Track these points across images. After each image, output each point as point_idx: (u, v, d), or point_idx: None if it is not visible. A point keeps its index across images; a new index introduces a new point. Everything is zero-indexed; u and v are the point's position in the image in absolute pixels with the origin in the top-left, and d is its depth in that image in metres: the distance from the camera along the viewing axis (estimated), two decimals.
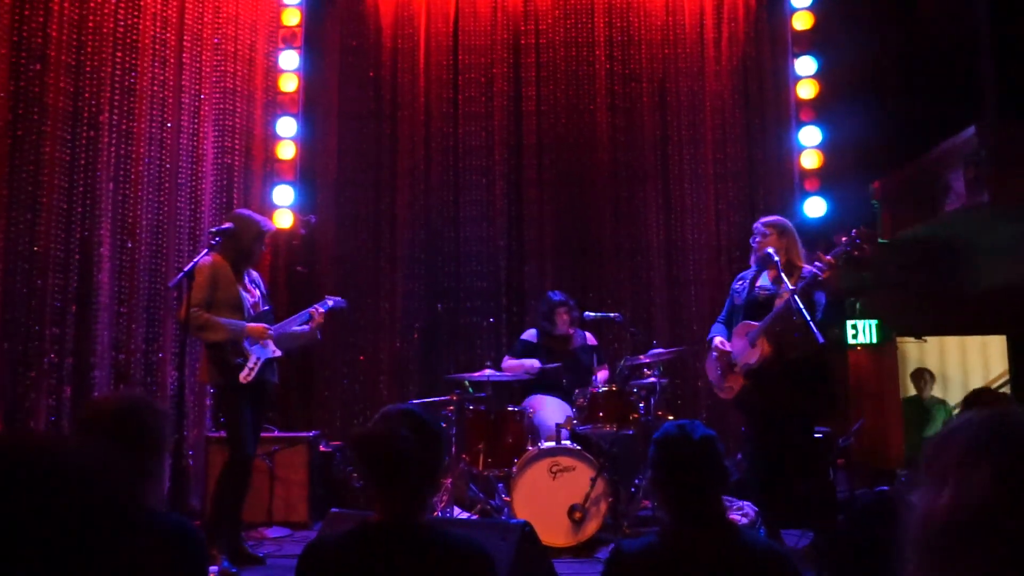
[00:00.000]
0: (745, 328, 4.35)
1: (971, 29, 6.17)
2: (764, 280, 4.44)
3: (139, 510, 0.79)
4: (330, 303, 4.71)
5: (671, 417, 4.96)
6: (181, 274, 4.01)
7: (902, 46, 6.52)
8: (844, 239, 4.11)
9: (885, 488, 4.05)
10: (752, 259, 4.56)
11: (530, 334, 5.63)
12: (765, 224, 4.51)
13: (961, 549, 0.75)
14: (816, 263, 4.12)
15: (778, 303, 4.26)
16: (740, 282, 4.57)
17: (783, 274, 4.25)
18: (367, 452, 1.80)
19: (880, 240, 4.30)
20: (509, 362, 5.50)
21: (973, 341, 7.72)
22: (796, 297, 4.07)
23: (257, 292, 4.46)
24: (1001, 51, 6.00)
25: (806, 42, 6.57)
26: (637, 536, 4.49)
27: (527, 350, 5.53)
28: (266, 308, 4.47)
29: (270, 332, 4.28)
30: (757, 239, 4.46)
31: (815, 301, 4.20)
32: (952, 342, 7.68)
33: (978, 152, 5.66)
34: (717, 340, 4.46)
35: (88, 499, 0.72)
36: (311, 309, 4.53)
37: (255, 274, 4.53)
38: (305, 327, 4.50)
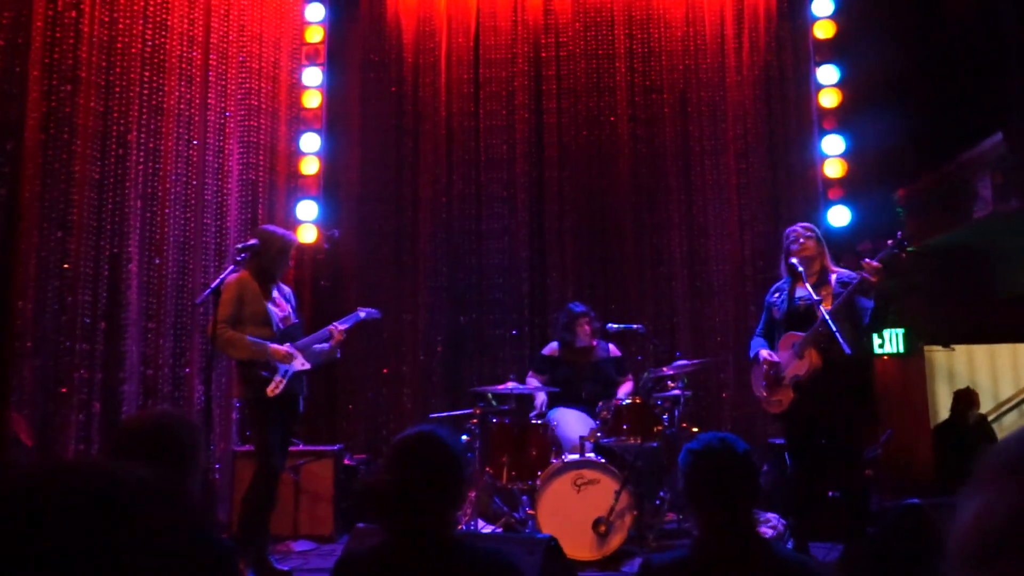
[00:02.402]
0: (790, 340, 4.29)
1: (995, 34, 6.11)
2: (801, 289, 4.39)
3: (184, 532, 0.80)
4: (362, 315, 4.73)
5: (695, 429, 4.93)
6: (208, 290, 4.06)
7: (925, 53, 6.47)
8: (890, 242, 4.05)
9: (915, 500, 4.00)
10: (784, 268, 4.51)
11: (551, 348, 5.63)
12: (806, 227, 4.46)
13: (986, 561, 0.77)
14: (864, 269, 4.07)
15: (819, 312, 4.22)
16: (777, 294, 4.50)
17: (808, 283, 4.23)
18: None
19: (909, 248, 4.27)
20: (531, 378, 5.52)
21: (1002, 349, 7.61)
22: (822, 308, 4.04)
23: (288, 306, 4.49)
24: None
25: (828, 51, 6.54)
26: (664, 549, 4.48)
27: (548, 364, 5.53)
28: (295, 322, 4.50)
29: (292, 353, 4.30)
30: (801, 241, 4.40)
31: (861, 306, 4.15)
32: (981, 350, 7.58)
33: (1006, 158, 5.60)
34: (764, 353, 4.38)
35: (140, 524, 0.74)
36: (331, 327, 4.53)
37: (286, 289, 4.56)
38: (325, 345, 4.50)
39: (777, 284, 4.57)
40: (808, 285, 4.22)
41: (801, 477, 4.31)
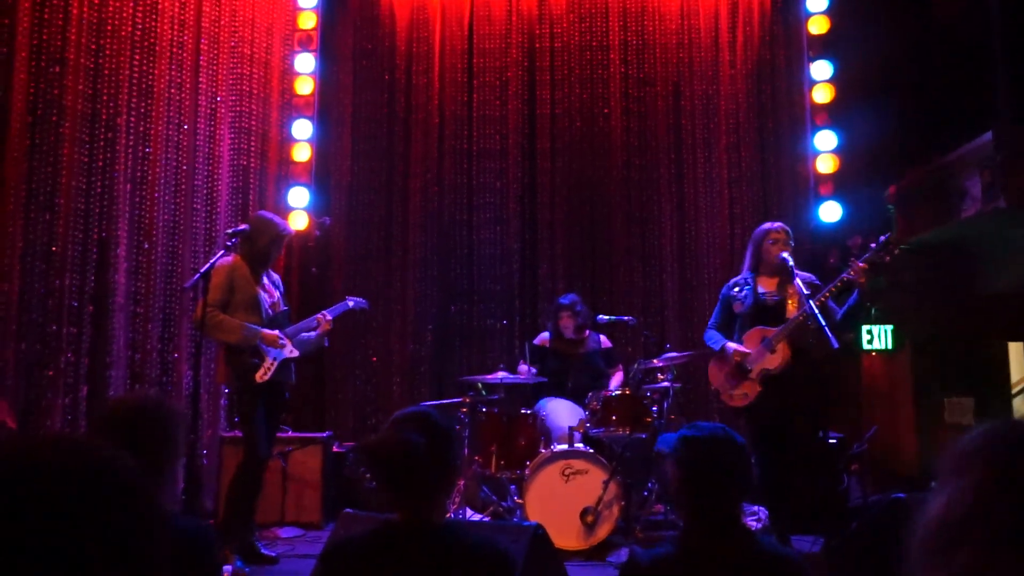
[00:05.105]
0: (760, 334, 4.31)
1: (986, 32, 6.10)
2: (765, 285, 4.42)
3: (162, 513, 0.79)
4: (351, 304, 4.72)
5: (684, 421, 4.93)
6: (198, 275, 4.01)
7: (918, 50, 6.46)
8: (873, 245, 4.07)
9: (900, 495, 4.00)
10: (750, 264, 4.50)
11: (542, 338, 5.61)
12: (787, 230, 4.46)
13: (946, 550, 0.79)
14: (849, 269, 4.08)
15: (791, 308, 4.24)
16: (737, 288, 4.51)
17: (799, 280, 4.24)
18: (379, 460, 1.79)
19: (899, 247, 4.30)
20: (522, 367, 5.51)
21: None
22: (812, 303, 4.04)
23: (276, 293, 4.46)
24: (1015, 53, 5.94)
25: (821, 46, 6.52)
26: (650, 541, 4.48)
27: (539, 355, 5.51)
28: (284, 308, 4.47)
29: (281, 340, 4.27)
30: (788, 244, 4.38)
31: (830, 306, 4.18)
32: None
33: (994, 156, 5.60)
34: (732, 345, 4.40)
35: (127, 502, 0.73)
36: (319, 315, 4.50)
37: (275, 276, 4.54)
38: (312, 333, 4.47)
39: (736, 279, 4.57)
40: (800, 282, 4.22)
41: (774, 470, 4.31)
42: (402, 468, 1.76)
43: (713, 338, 4.55)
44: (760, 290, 4.41)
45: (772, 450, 4.30)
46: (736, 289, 4.51)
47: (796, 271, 4.35)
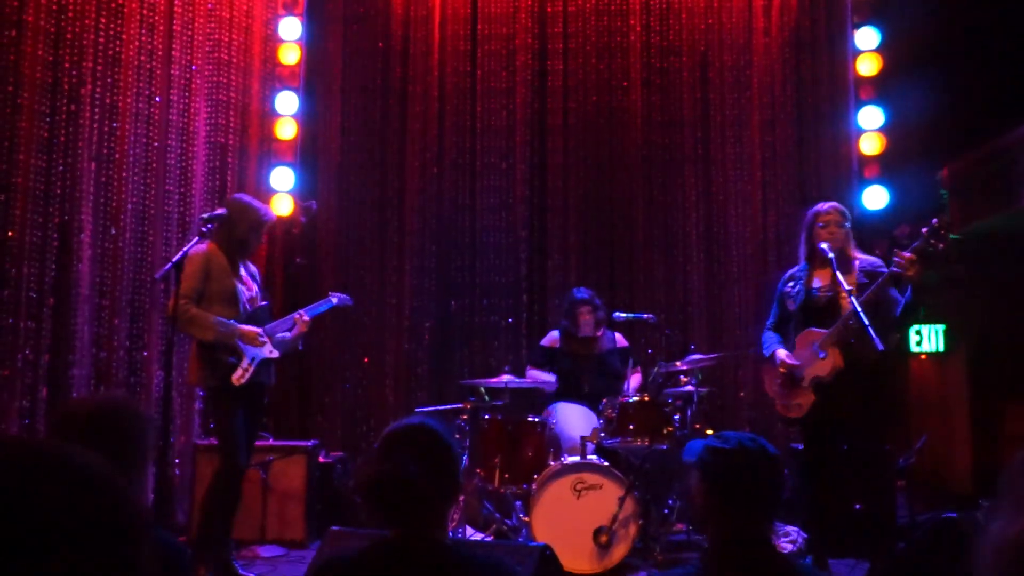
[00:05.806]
0: (810, 337, 4.24)
1: None
2: (819, 278, 4.34)
3: (146, 521, 0.80)
4: (334, 300, 4.73)
5: (709, 431, 4.92)
6: (170, 264, 4.02)
7: (976, 14, 6.41)
8: (924, 230, 3.99)
9: (952, 514, 3.98)
10: (804, 252, 4.45)
11: (551, 338, 5.61)
12: (838, 210, 4.35)
13: None
14: (895, 259, 4.01)
15: (846, 305, 4.17)
16: (792, 283, 4.44)
17: (839, 273, 4.16)
18: (372, 494, 1.80)
19: (951, 235, 4.21)
20: (531, 372, 5.51)
21: None
22: (854, 299, 3.98)
23: (254, 285, 4.47)
24: None
25: (868, 11, 6.47)
26: (672, 563, 4.48)
27: (548, 356, 5.51)
28: (264, 304, 4.47)
29: (261, 338, 4.28)
30: (832, 229, 4.31)
31: (892, 298, 4.10)
32: None
33: None
34: (782, 354, 4.33)
35: (106, 509, 0.74)
36: (295, 315, 4.51)
37: (252, 267, 4.55)
38: (287, 334, 4.47)
39: (791, 271, 4.50)
40: (839, 275, 4.16)
41: (819, 488, 4.29)
42: (397, 500, 1.76)
43: (766, 341, 4.50)
44: (814, 284, 4.33)
45: (825, 466, 4.27)
46: (790, 283, 4.44)
47: (857, 256, 4.28)
